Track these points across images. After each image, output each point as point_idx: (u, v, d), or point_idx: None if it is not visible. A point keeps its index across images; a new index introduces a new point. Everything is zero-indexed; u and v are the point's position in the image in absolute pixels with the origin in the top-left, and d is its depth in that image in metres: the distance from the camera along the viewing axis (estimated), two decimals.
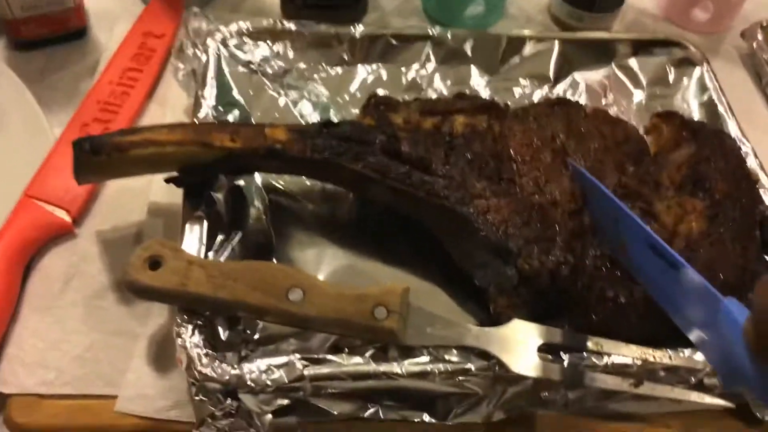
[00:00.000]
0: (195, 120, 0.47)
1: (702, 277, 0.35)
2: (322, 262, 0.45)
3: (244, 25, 0.53)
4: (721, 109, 0.53)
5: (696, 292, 0.35)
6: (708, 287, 0.34)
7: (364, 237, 0.46)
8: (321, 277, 0.44)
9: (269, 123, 0.43)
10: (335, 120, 0.48)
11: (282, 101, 0.52)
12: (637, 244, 0.38)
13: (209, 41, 0.52)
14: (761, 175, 0.49)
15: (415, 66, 0.56)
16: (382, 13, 0.64)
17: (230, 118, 0.49)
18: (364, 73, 0.55)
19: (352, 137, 0.43)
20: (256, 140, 0.41)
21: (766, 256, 0.45)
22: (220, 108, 0.49)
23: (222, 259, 0.42)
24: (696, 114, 0.55)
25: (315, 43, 0.54)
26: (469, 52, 0.56)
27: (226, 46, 0.52)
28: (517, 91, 0.56)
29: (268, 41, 0.54)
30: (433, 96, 0.54)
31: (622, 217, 0.39)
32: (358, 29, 0.55)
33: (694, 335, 0.36)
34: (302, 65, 0.54)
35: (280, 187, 0.48)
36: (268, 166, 0.43)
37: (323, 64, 0.55)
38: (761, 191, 0.48)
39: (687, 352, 0.40)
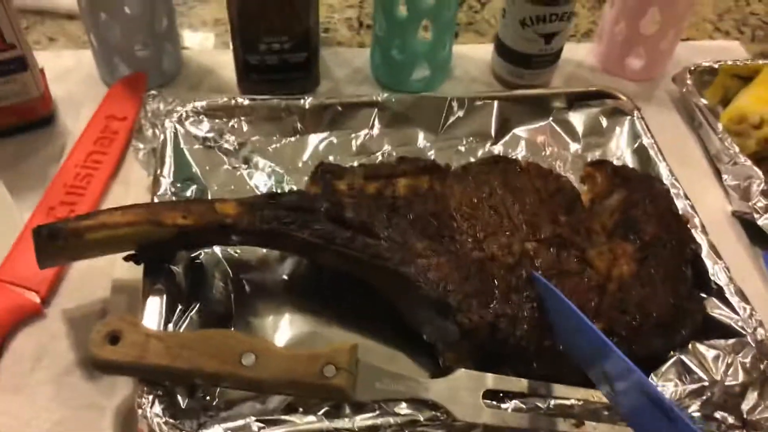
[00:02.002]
0: (155, 198, 0.50)
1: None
2: (280, 328, 0.47)
3: (200, 104, 0.57)
4: (652, 154, 0.56)
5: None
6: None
7: (320, 300, 0.48)
8: (279, 342, 0.46)
9: (219, 198, 0.46)
10: (286, 190, 0.51)
11: (238, 174, 0.55)
12: (625, 384, 0.38)
13: (167, 121, 0.55)
14: (692, 215, 0.52)
15: (364, 131, 0.59)
16: (335, 82, 0.68)
17: (188, 193, 0.52)
18: (315, 141, 0.58)
19: (299, 206, 0.46)
20: (207, 216, 0.44)
21: (699, 293, 0.48)
22: (178, 184, 0.51)
23: (182, 329, 0.45)
24: (629, 160, 0.58)
25: (267, 117, 0.58)
26: (413, 116, 0.60)
27: (182, 124, 0.55)
28: (462, 148, 0.59)
29: (223, 118, 0.57)
30: (382, 159, 0.57)
31: (608, 354, 0.38)
32: (308, 101, 0.58)
33: None
34: (256, 138, 0.57)
35: (238, 256, 0.50)
36: (221, 239, 0.46)
37: (276, 136, 0.58)
38: (693, 231, 0.51)
39: None
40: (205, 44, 0.73)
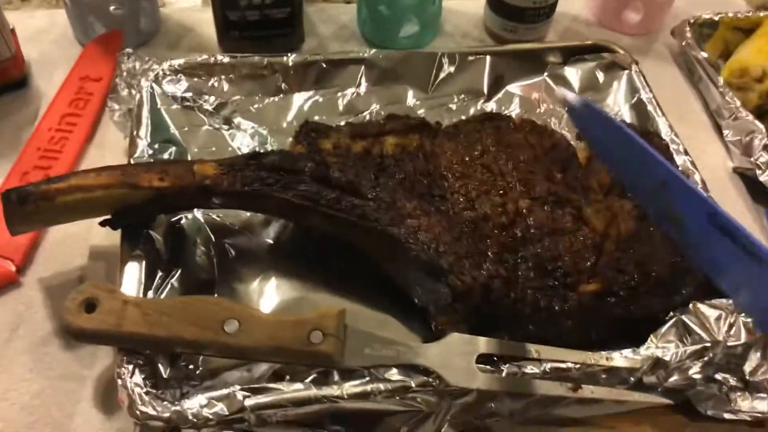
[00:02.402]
0: (131, 160, 0.48)
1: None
2: (266, 293, 0.45)
3: (177, 62, 0.54)
4: (651, 109, 0.54)
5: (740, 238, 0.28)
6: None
7: (307, 264, 0.47)
8: (265, 308, 0.45)
9: (198, 159, 0.44)
10: (270, 150, 0.49)
11: (218, 135, 0.53)
12: (694, 218, 0.30)
13: (143, 81, 0.52)
14: (692, 172, 0.50)
15: (350, 89, 0.56)
16: (320, 39, 0.65)
17: (166, 155, 0.49)
18: (300, 100, 0.56)
19: (282, 167, 0.44)
20: (185, 178, 0.42)
21: None
22: (156, 146, 0.49)
23: (162, 296, 0.43)
24: (627, 116, 0.56)
25: (249, 75, 0.55)
26: (402, 72, 0.57)
27: (159, 84, 0.53)
28: (453, 106, 0.57)
29: (202, 76, 0.55)
30: (369, 118, 0.55)
31: (669, 179, 0.31)
32: (291, 57, 0.56)
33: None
34: (238, 97, 0.55)
35: (220, 220, 0.48)
36: (201, 202, 0.44)
37: (259, 95, 0.55)
38: None
39: (625, 352, 0.40)
40: (185, 2, 0.70)
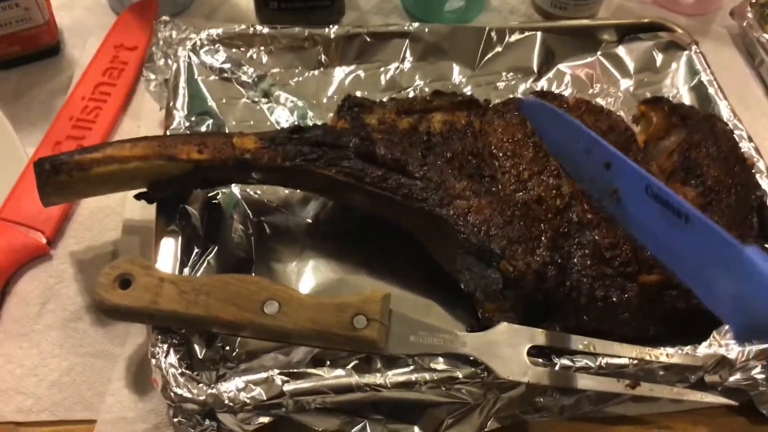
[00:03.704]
0: (167, 132, 0.46)
1: (715, 224, 0.31)
2: (304, 274, 0.44)
3: (216, 31, 0.52)
4: (712, 92, 0.51)
5: (709, 242, 0.31)
6: (724, 235, 0.30)
7: (347, 245, 0.45)
8: (304, 289, 0.43)
9: (238, 132, 0.42)
10: (311, 125, 0.47)
11: (257, 108, 0.51)
12: (633, 193, 0.34)
13: (180, 50, 0.50)
14: (757, 159, 0.47)
15: (394, 65, 0.54)
16: (361, 13, 0.63)
17: (203, 128, 0.48)
18: (341, 75, 0.54)
19: (324, 142, 0.42)
20: (224, 151, 0.40)
21: (764, 244, 0.44)
22: (192, 118, 0.48)
23: (198, 274, 0.41)
24: (687, 99, 0.53)
25: (289, 47, 0.53)
26: (448, 48, 0.55)
27: (197, 54, 0.51)
28: (501, 85, 0.54)
29: (241, 47, 0.53)
30: (414, 95, 0.53)
31: (612, 160, 0.35)
32: (333, 30, 0.53)
33: (701, 289, 0.32)
34: (277, 70, 0.53)
35: (258, 197, 0.46)
36: (239, 177, 0.42)
37: (299, 68, 0.53)
38: (757, 176, 0.46)
39: (686, 349, 0.38)
40: None
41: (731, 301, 0.30)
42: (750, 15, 0.59)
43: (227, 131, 0.49)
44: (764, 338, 0.31)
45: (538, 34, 0.55)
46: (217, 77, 0.51)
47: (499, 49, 0.55)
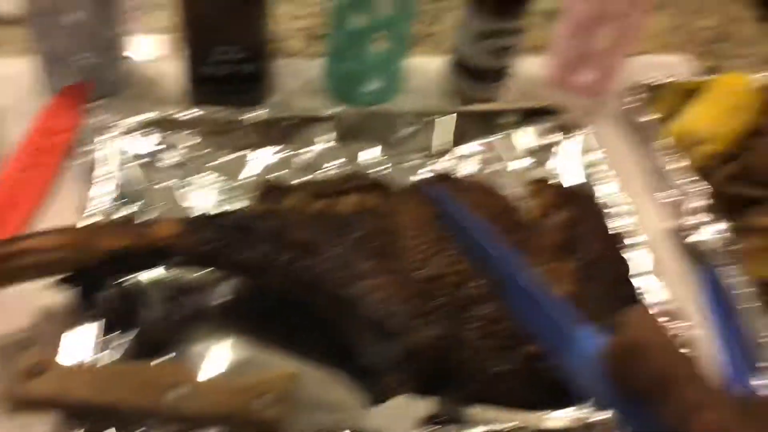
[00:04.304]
0: (88, 218, 0.48)
1: (557, 308, 0.34)
2: (219, 353, 0.45)
3: (141, 117, 0.55)
4: (598, 170, 0.57)
5: (553, 324, 0.34)
6: (557, 320, 0.34)
7: (262, 324, 0.47)
8: (218, 370, 0.45)
9: (156, 219, 0.45)
10: (230, 209, 0.50)
11: (179, 192, 0.54)
12: (505, 276, 0.37)
13: (107, 135, 0.53)
14: (635, 234, 0.52)
15: (314, 147, 0.58)
16: (286, 94, 0.66)
17: (125, 212, 0.50)
18: (263, 157, 0.57)
19: (240, 226, 0.45)
20: (143, 238, 0.43)
21: None
22: (116, 202, 0.50)
23: (114, 359, 0.43)
24: (576, 177, 0.58)
25: (212, 131, 0.56)
26: (365, 130, 0.59)
27: (123, 138, 0.54)
28: (412, 166, 0.59)
29: (165, 131, 0.56)
30: (331, 175, 0.56)
31: (488, 248, 0.38)
32: (255, 113, 0.57)
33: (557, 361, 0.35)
34: (199, 153, 0.56)
35: (176, 277, 0.48)
36: (159, 262, 0.44)
37: (223, 151, 0.56)
38: (631, 248, 0.51)
39: (563, 412, 0.42)
40: (154, 54, 0.71)
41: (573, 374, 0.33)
42: (637, 97, 0.65)
43: (150, 215, 0.51)
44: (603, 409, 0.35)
45: (447, 117, 0.60)
46: (141, 161, 0.54)
47: (411, 130, 0.60)
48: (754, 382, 0.45)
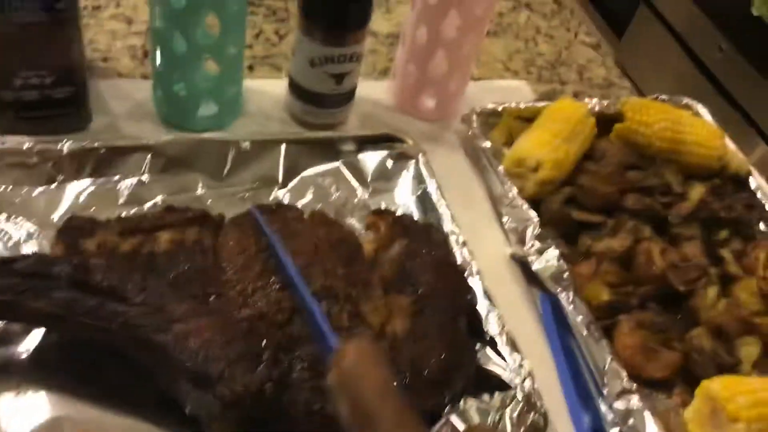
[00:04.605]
0: None
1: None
2: (23, 411, 0.41)
3: None
4: (435, 198, 0.57)
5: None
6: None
7: (73, 377, 0.42)
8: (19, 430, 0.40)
9: None
10: (34, 251, 0.45)
11: None
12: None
13: None
14: (470, 263, 0.52)
15: (133, 178, 0.54)
16: (112, 118, 0.62)
17: None
18: (75, 191, 0.52)
19: (36, 272, 0.40)
20: None
21: (475, 344, 0.48)
22: None
23: None
24: (413, 206, 0.58)
25: (16, 163, 0.51)
26: (193, 160, 0.56)
27: None
28: (245, 196, 0.56)
29: None
30: (151, 209, 0.52)
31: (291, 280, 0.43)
32: (66, 144, 0.52)
33: None
34: (3, 188, 0.50)
35: None
36: None
37: (27, 186, 0.51)
38: (470, 278, 0.51)
39: None
40: None
41: None
42: (475, 123, 0.65)
43: None
44: None
45: (283, 144, 0.58)
46: None
47: (244, 159, 0.57)
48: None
